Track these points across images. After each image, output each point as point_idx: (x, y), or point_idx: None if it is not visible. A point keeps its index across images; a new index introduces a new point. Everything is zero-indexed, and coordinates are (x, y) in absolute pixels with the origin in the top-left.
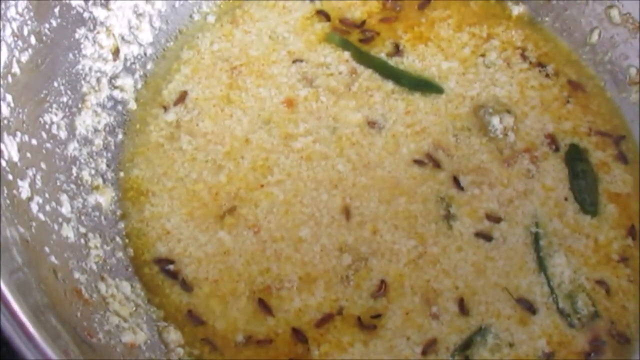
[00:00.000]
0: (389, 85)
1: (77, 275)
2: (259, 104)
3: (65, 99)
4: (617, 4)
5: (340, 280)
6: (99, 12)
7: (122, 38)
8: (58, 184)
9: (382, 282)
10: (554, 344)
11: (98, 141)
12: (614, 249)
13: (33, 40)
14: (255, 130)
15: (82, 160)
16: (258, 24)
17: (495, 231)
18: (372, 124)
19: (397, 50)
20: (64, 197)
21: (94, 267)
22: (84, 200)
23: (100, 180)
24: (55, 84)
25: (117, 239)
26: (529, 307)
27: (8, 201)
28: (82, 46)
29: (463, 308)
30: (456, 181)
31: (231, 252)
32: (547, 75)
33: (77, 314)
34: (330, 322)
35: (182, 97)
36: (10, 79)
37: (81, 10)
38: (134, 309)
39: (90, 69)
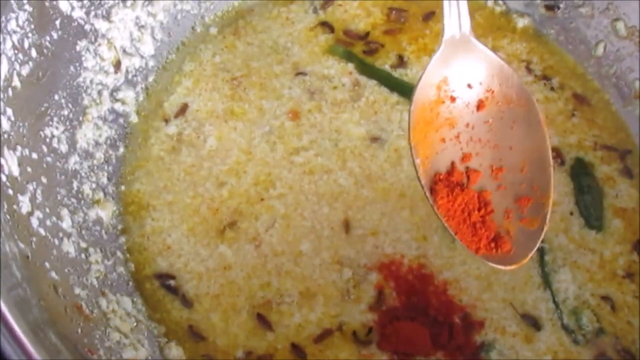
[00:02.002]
0: (394, 97)
1: (77, 290)
2: (262, 117)
3: (66, 112)
4: (623, 16)
5: (340, 295)
6: (101, 25)
7: (124, 50)
8: (59, 198)
9: (380, 294)
10: None
11: (99, 155)
12: (619, 264)
13: (34, 53)
14: (258, 144)
15: (83, 174)
16: (261, 35)
17: None
18: (374, 138)
19: (401, 62)
20: (64, 212)
21: (95, 282)
22: (84, 215)
23: (101, 194)
24: (56, 97)
25: (118, 253)
26: (534, 323)
27: (8, 216)
28: (83, 59)
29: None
30: None
31: (232, 267)
32: (552, 89)
33: (77, 330)
34: (328, 338)
35: (182, 110)
36: (10, 92)
37: (82, 23)
38: (135, 324)
39: (91, 81)
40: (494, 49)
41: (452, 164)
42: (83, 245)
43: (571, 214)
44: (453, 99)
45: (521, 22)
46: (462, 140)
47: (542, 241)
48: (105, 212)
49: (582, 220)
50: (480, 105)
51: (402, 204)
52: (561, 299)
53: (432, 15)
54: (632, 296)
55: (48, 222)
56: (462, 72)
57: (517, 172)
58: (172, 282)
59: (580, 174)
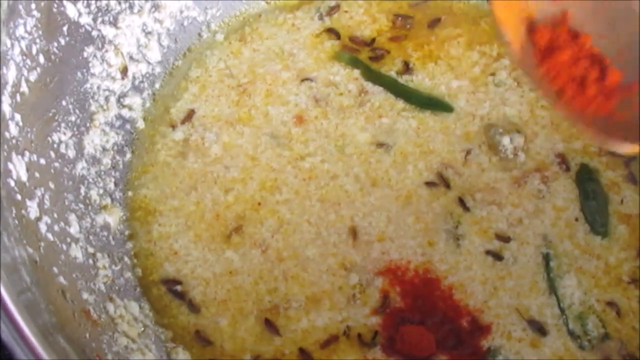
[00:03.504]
0: (399, 103)
1: (85, 295)
2: (267, 123)
3: (73, 118)
4: None
5: (346, 300)
6: (108, 31)
7: (131, 57)
8: (66, 203)
9: (386, 298)
10: None
11: (106, 160)
12: (625, 270)
13: (42, 59)
14: (264, 149)
15: (91, 180)
16: (267, 41)
17: (506, 251)
18: (380, 144)
19: (407, 69)
20: (72, 217)
21: (103, 287)
22: (92, 220)
23: (108, 200)
24: (64, 103)
25: (126, 259)
26: (540, 329)
27: (16, 221)
28: (90, 65)
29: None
30: (462, 202)
31: (239, 272)
32: None
33: (85, 335)
34: (335, 344)
35: (189, 116)
36: (18, 98)
37: (90, 29)
38: (143, 329)
39: (98, 87)
40: (500, 56)
41: None
42: (91, 250)
43: (576, 220)
44: None
45: None
46: None
47: (548, 246)
48: (113, 218)
49: (587, 226)
50: None
51: (408, 210)
52: (567, 304)
53: (437, 22)
54: (637, 302)
55: (56, 228)
56: None
57: (614, 59)
58: (179, 288)
59: (585, 180)
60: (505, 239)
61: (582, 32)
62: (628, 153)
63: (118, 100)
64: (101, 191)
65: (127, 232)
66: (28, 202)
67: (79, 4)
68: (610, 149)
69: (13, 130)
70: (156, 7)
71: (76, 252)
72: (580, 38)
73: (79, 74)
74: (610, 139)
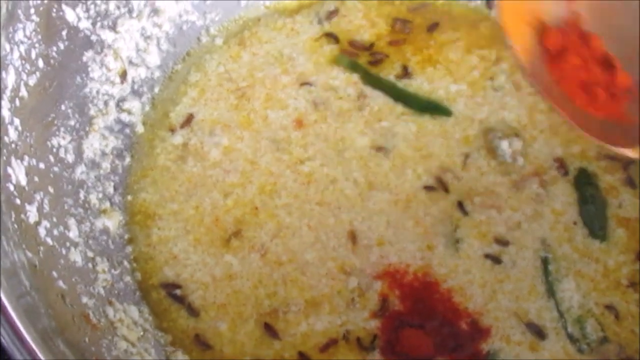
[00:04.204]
0: (398, 107)
1: (85, 299)
2: (267, 127)
3: (72, 123)
4: None
5: (346, 304)
6: (107, 35)
7: (130, 61)
8: (66, 207)
9: (385, 301)
10: None
11: (105, 164)
12: (623, 273)
13: (41, 63)
14: (263, 153)
15: (90, 184)
16: (266, 45)
17: (505, 255)
18: (379, 148)
19: (405, 73)
20: (71, 221)
21: (102, 291)
22: (91, 224)
23: (107, 204)
24: (63, 107)
25: (125, 263)
26: (538, 332)
27: (16, 225)
28: (89, 69)
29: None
30: (461, 206)
31: (238, 276)
32: None
33: (85, 339)
34: (334, 347)
35: (188, 120)
36: (18, 102)
37: (89, 33)
38: (142, 333)
39: (97, 92)
40: (498, 60)
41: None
42: (90, 254)
43: (575, 223)
44: None
45: None
46: None
47: (546, 250)
48: (112, 222)
49: (585, 229)
50: None
51: (407, 214)
52: (565, 307)
53: (436, 26)
54: (636, 305)
55: (55, 232)
56: None
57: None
58: (178, 292)
59: (584, 184)
60: (504, 242)
61: (593, 34)
62: (629, 156)
63: (117, 105)
64: (100, 195)
65: (126, 236)
66: (27, 207)
67: (78, 9)
68: (614, 152)
69: (12, 134)
70: (155, 12)
71: (75, 256)
72: (592, 41)
73: (78, 78)
74: (613, 142)
